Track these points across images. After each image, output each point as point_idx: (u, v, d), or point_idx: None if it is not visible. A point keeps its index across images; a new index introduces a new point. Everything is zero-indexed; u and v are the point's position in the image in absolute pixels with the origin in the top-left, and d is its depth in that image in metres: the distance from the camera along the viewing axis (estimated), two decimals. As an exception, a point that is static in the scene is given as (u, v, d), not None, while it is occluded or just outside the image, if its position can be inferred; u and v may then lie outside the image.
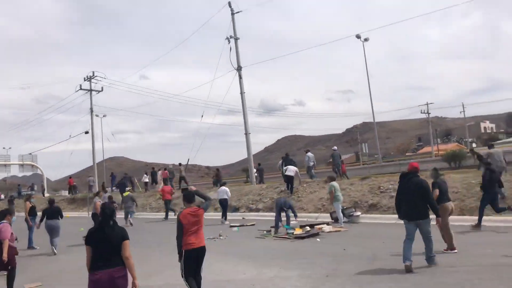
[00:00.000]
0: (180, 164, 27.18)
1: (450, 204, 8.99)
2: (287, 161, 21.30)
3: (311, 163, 21.52)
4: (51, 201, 13.25)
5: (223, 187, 18.34)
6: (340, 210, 13.67)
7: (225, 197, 17.74)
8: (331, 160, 16.19)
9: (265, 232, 13.19)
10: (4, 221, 7.87)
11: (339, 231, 12.53)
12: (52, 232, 12.43)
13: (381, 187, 15.87)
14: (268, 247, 10.81)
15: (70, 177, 40.93)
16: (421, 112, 64.08)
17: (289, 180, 18.97)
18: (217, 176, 28.59)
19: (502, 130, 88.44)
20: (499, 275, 6.43)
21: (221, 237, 13.02)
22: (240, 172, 58.90)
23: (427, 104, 63.85)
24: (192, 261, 6.03)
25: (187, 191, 6.75)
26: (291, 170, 18.86)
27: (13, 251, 7.72)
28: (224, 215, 17.51)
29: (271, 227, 13.66)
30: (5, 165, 61.19)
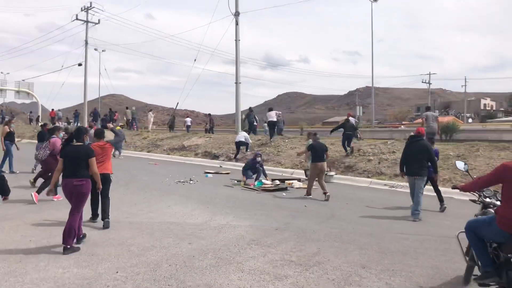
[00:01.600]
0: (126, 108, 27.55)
1: (321, 164, 10.66)
2: (250, 117, 22.45)
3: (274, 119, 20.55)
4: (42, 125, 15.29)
5: (243, 132, 19.88)
6: None
7: (242, 139, 18.58)
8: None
9: (235, 181, 13.08)
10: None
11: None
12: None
13: (361, 150, 15.67)
14: (232, 196, 10.69)
15: (52, 109, 40.55)
16: (422, 82, 63.23)
17: (238, 146, 18.82)
18: (211, 122, 29.68)
19: (502, 109, 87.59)
20: (446, 247, 6.30)
21: (191, 182, 12.92)
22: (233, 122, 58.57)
23: (429, 74, 62.93)
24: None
25: (98, 129, 8.50)
26: (241, 136, 19.11)
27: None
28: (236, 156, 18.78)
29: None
30: (0, 90, 60.68)
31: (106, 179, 7.16)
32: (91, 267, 5.10)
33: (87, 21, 36.72)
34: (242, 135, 18.99)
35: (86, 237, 6.34)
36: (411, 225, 7.89)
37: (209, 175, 14.72)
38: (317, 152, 10.80)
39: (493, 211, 4.47)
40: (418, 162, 8.51)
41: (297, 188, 12.19)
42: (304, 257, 5.66)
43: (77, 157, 5.98)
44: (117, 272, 4.95)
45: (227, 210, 8.78)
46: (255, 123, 23.71)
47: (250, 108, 24.55)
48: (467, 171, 5.72)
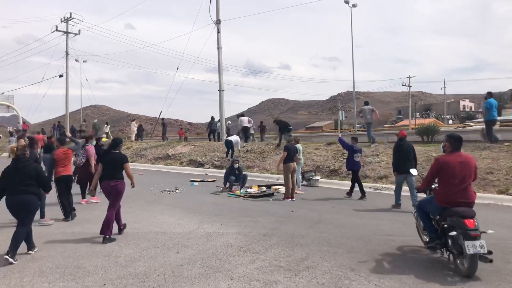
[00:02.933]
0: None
1: (293, 164, 11.46)
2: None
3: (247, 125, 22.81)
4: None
5: (236, 136, 19.96)
6: (300, 173, 13.56)
7: (231, 139, 18.82)
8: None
9: (221, 189, 13.03)
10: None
11: (294, 193, 12.42)
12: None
13: (345, 154, 15.77)
14: (219, 203, 10.65)
15: (23, 122, 39.77)
16: (403, 85, 64.12)
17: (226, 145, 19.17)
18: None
19: (481, 110, 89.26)
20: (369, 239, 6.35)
21: (177, 191, 12.83)
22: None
23: (409, 77, 63.78)
24: (62, 186, 8.78)
25: (60, 137, 10.29)
26: (233, 137, 19.60)
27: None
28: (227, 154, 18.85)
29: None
30: (-22, 103, 59.43)
31: (69, 180, 8.89)
32: (77, 280, 5.00)
33: (67, 32, 36.37)
34: (234, 137, 19.11)
35: (75, 249, 6.25)
36: (398, 227, 7.94)
37: (195, 183, 14.65)
38: (290, 153, 11.50)
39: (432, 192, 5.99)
40: (409, 160, 9.87)
41: (283, 193, 12.19)
42: (293, 262, 5.66)
43: (114, 163, 7.15)
44: (104, 284, 4.87)
45: (214, 218, 8.72)
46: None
47: (212, 117, 26.15)
48: (419, 174, 7.95)
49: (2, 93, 56.51)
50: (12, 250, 5.73)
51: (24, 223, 5.92)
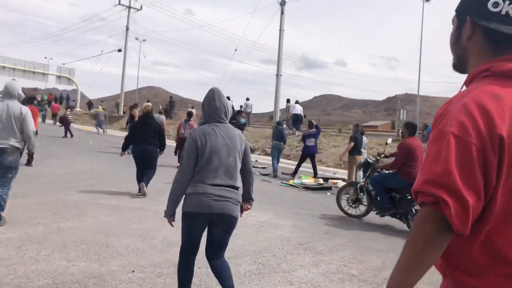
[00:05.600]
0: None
1: (360, 158, 10.56)
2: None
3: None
4: None
5: None
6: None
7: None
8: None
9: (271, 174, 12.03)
10: None
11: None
12: None
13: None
14: (270, 191, 9.57)
15: (49, 94, 40.29)
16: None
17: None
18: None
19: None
20: None
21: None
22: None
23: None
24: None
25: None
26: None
27: None
28: None
29: (282, 173, 12.69)
30: (43, 74, 61.59)
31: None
32: (102, 262, 4.08)
33: (129, 7, 36.36)
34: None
35: (104, 223, 5.39)
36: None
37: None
38: (357, 145, 10.77)
39: (385, 170, 6.90)
40: None
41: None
42: (367, 271, 4.47)
43: None
44: (133, 271, 3.91)
45: (265, 206, 7.65)
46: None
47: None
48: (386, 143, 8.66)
49: (63, 64, 58.05)
50: (146, 181, 7.52)
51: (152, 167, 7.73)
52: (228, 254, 4.59)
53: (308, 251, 5.00)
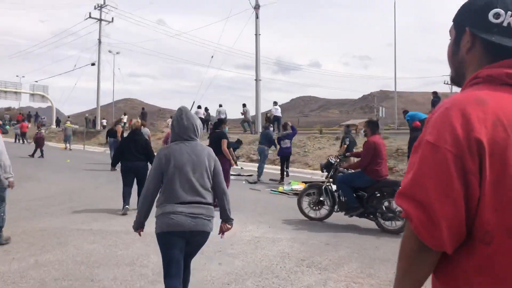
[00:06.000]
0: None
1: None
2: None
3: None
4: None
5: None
6: None
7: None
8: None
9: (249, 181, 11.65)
10: None
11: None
12: None
13: (399, 150, 14.08)
14: (261, 200, 9.19)
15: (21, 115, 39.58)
16: (444, 83, 61.10)
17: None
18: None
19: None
20: None
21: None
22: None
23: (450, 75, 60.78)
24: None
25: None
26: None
27: None
28: None
29: (270, 179, 12.36)
30: (15, 92, 60.08)
31: None
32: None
33: (100, 19, 35.58)
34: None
35: (88, 252, 4.91)
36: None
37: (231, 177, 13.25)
38: (350, 147, 10.71)
39: (351, 170, 6.95)
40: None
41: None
42: (379, 285, 4.13)
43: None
44: (123, 310, 3.47)
45: (258, 218, 7.28)
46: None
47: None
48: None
49: (36, 81, 56.85)
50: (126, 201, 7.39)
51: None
52: (227, 278, 4.21)
53: (312, 268, 4.62)
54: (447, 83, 61.87)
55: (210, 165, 3.12)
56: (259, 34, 22.66)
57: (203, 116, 23.91)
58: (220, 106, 23.95)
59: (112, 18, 35.88)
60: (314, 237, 6.02)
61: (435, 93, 15.54)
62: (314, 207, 7.25)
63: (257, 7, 22.55)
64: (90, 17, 35.23)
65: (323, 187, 7.08)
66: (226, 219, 3.25)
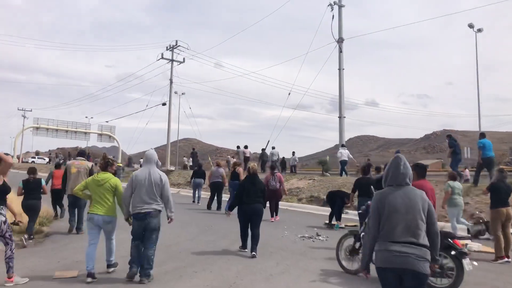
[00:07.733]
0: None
1: (507, 210, 7.88)
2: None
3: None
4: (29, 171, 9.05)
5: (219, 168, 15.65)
6: (455, 220, 9.81)
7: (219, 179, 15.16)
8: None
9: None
10: None
11: (490, 252, 8.61)
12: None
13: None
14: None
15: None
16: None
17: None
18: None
19: None
20: None
21: (320, 237, 9.72)
22: (315, 164, 56.20)
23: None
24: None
25: None
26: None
27: None
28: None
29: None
30: (85, 132, 62.60)
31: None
32: None
33: (172, 60, 35.84)
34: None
35: None
36: None
37: (338, 226, 11.43)
38: (501, 194, 8.02)
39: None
40: None
41: (477, 251, 8.55)
42: None
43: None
44: None
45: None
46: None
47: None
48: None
49: (106, 121, 58.70)
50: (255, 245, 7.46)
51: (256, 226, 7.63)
52: None
53: None
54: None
55: (423, 208, 3.23)
56: (343, 69, 21.21)
57: (248, 155, 24.14)
58: (273, 148, 23.43)
59: (184, 59, 36.07)
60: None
61: (449, 136, 14.75)
62: (349, 256, 6.36)
63: (340, 40, 21.23)
64: (162, 57, 35.58)
65: (360, 234, 6.14)
66: (434, 260, 3.26)
